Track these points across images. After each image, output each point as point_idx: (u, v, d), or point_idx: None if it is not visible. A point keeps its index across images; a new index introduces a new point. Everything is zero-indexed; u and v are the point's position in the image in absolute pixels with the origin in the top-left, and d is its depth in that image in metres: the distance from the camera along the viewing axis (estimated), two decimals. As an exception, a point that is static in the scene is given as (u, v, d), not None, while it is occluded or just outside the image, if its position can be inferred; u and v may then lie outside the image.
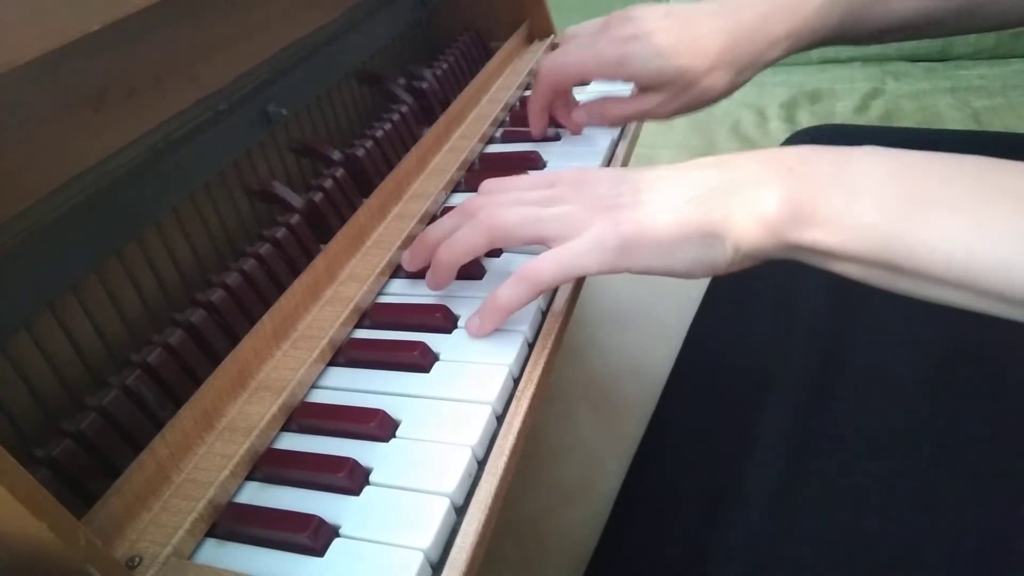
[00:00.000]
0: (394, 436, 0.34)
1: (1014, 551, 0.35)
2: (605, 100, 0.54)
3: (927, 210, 0.30)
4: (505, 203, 0.38)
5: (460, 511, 0.31)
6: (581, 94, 0.60)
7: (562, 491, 0.66)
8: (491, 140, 0.59)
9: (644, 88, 0.51)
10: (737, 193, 0.34)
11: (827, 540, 0.39)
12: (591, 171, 0.40)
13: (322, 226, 0.47)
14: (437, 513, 0.30)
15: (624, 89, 0.58)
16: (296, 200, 0.47)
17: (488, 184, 0.42)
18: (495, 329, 0.38)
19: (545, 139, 0.58)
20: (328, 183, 0.48)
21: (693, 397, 0.57)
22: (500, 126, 0.61)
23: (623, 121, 0.55)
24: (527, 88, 0.66)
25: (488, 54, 0.69)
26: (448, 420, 0.34)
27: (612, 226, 0.35)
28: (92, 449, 0.32)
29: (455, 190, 0.53)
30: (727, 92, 0.49)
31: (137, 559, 0.29)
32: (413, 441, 0.34)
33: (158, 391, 0.36)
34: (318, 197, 0.47)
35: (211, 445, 0.34)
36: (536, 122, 0.56)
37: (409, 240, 0.47)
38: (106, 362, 0.38)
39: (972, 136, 0.69)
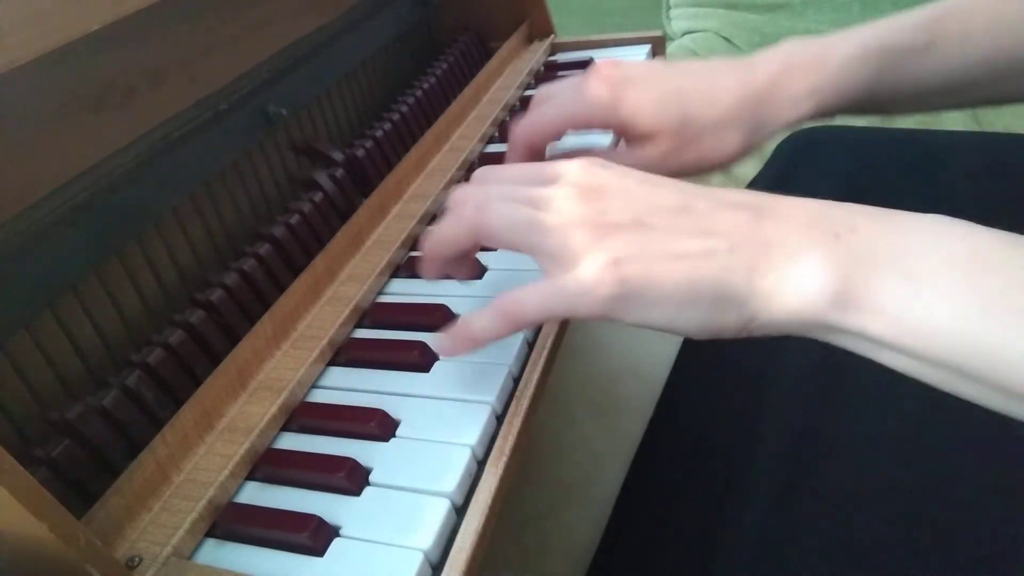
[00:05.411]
0: (394, 436, 0.34)
1: (1015, 557, 0.35)
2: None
3: (1009, 316, 0.25)
4: (496, 196, 0.34)
5: (460, 511, 0.31)
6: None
7: (562, 491, 0.66)
8: (490, 140, 0.59)
9: (637, 138, 0.41)
10: (769, 255, 0.29)
11: (828, 541, 0.39)
12: (599, 169, 0.33)
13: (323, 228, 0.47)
14: (437, 513, 0.30)
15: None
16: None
17: (482, 172, 0.37)
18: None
19: None
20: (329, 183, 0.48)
21: (693, 397, 0.57)
22: (500, 126, 0.61)
23: None
24: (527, 88, 0.66)
25: (488, 54, 0.69)
26: (448, 420, 0.34)
27: (612, 267, 0.30)
28: (92, 449, 0.33)
29: (455, 190, 0.53)
30: (738, 154, 0.41)
31: (137, 559, 0.29)
32: (413, 441, 0.34)
33: (158, 391, 0.36)
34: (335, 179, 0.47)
35: (211, 445, 0.34)
36: None
37: (409, 240, 0.47)
38: (106, 362, 0.38)
39: (972, 136, 0.69)
